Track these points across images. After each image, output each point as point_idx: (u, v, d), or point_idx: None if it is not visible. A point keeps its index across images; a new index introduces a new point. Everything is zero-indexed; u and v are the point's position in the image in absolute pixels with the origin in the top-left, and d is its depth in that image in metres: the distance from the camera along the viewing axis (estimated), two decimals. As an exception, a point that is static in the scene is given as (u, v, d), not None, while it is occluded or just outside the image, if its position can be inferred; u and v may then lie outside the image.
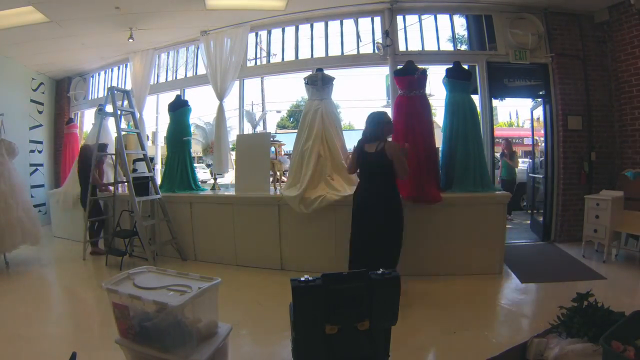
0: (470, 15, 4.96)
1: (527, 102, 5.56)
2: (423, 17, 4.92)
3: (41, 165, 6.98)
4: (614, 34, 4.50)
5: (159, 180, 5.02)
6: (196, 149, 5.94)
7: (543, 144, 5.09)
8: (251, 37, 5.36)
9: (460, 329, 2.49)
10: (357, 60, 5.13)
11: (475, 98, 4.35)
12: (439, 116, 5.70)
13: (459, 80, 3.92)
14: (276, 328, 2.55)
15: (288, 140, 6.44)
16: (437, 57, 4.85)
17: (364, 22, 5.05)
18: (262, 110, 9.32)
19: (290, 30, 5.31)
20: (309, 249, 3.80)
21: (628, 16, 4.30)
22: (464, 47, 5.30)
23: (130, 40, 5.12)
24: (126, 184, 4.27)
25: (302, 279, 1.55)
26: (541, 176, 5.14)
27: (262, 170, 4.21)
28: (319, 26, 5.16)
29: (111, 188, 4.68)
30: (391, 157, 2.87)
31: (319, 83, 4.06)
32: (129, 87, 5.99)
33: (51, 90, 7.20)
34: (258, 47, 5.77)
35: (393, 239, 2.94)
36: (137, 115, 5.62)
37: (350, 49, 5.14)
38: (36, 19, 4.53)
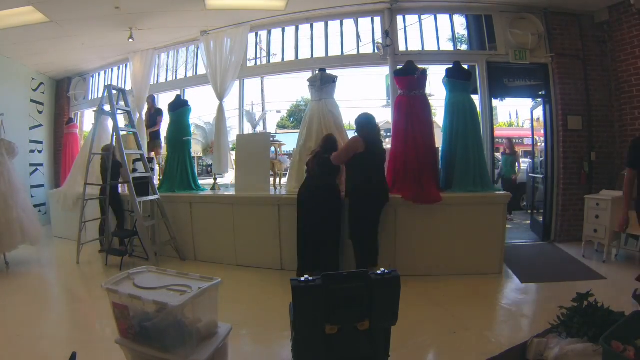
0: (470, 15, 4.96)
1: (527, 102, 5.57)
2: (423, 17, 4.92)
3: (41, 165, 6.99)
4: (614, 34, 4.50)
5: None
6: (196, 149, 5.94)
7: (543, 144, 5.09)
8: (251, 37, 5.36)
9: (460, 329, 2.49)
10: (357, 60, 5.14)
11: (475, 98, 4.35)
12: (439, 116, 5.71)
13: (459, 80, 3.92)
14: (276, 328, 2.55)
15: (288, 140, 6.45)
16: (437, 57, 4.85)
17: (364, 22, 5.07)
18: (262, 110, 9.33)
19: (290, 30, 5.31)
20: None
21: (628, 16, 4.30)
22: (464, 47, 5.31)
23: (130, 40, 5.12)
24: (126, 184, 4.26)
25: (302, 279, 1.55)
26: (541, 176, 5.14)
27: (262, 170, 4.22)
28: (319, 26, 5.16)
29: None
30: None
31: (317, 83, 4.06)
32: (129, 87, 6.00)
33: (51, 90, 7.21)
34: (258, 47, 5.77)
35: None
36: (137, 115, 5.65)
37: (350, 49, 5.15)
38: (36, 19, 4.53)
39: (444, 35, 4.99)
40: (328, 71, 4.18)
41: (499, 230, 3.62)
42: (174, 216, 4.43)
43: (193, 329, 1.66)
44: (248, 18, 4.98)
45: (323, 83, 4.04)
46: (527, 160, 8.35)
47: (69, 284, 3.87)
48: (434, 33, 4.89)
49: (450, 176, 3.82)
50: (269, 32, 5.43)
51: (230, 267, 4.07)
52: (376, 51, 4.84)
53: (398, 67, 4.31)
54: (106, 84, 4.63)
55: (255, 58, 5.72)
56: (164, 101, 5.97)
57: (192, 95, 6.28)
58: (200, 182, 5.02)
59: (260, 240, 3.99)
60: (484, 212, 3.56)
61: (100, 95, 6.73)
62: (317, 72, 4.27)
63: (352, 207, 3.30)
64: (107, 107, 4.36)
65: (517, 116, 17.52)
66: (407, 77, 3.85)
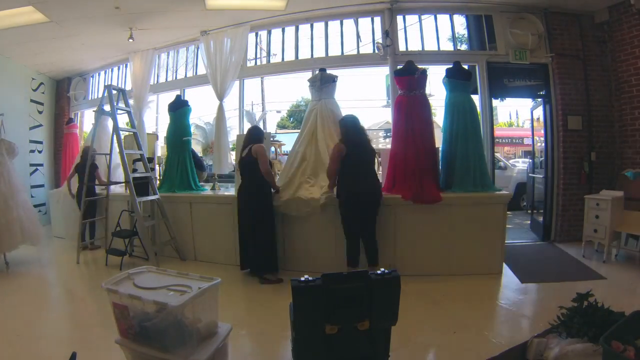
0: (470, 15, 4.96)
1: (527, 102, 5.57)
2: (423, 17, 4.92)
3: (41, 165, 6.98)
4: (614, 34, 4.50)
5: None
6: (196, 149, 5.94)
7: (543, 144, 5.09)
8: (251, 37, 5.36)
9: (460, 329, 2.49)
10: (357, 60, 5.13)
11: (475, 98, 4.35)
12: (439, 116, 5.70)
13: (459, 80, 3.92)
14: (276, 328, 2.55)
15: (288, 140, 6.45)
16: (437, 57, 4.85)
17: (364, 22, 5.07)
18: (262, 110, 9.31)
19: (290, 30, 5.31)
20: (309, 249, 3.79)
21: (628, 16, 4.30)
22: (464, 47, 5.31)
23: (130, 40, 5.12)
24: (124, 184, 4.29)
25: (302, 279, 1.55)
26: (541, 176, 5.14)
27: (262, 170, 4.21)
28: (319, 26, 5.16)
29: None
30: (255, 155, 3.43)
31: (317, 83, 4.06)
32: (129, 87, 6.00)
33: (51, 90, 7.20)
34: (258, 47, 5.77)
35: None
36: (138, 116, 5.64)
37: (350, 49, 5.15)
38: (36, 19, 4.53)
39: (444, 35, 5.00)
40: (328, 71, 4.17)
41: (499, 230, 3.62)
42: (174, 216, 4.43)
43: (193, 329, 1.66)
44: (248, 18, 4.98)
45: (323, 83, 4.04)
46: (527, 160, 8.36)
47: (69, 284, 3.87)
48: (434, 33, 4.90)
49: (450, 176, 3.81)
50: (269, 32, 5.43)
51: (230, 267, 4.07)
52: (376, 51, 4.84)
53: (398, 67, 4.30)
54: (106, 84, 4.64)
55: (255, 58, 5.72)
56: (164, 101, 5.98)
57: (192, 95, 6.28)
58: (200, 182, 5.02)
59: (260, 240, 3.98)
60: (484, 212, 3.56)
61: (100, 95, 6.75)
62: (317, 72, 4.27)
63: (341, 209, 3.35)
64: (107, 107, 4.36)
65: (517, 116, 17.57)
66: (407, 77, 3.84)
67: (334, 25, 5.13)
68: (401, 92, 3.90)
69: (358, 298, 1.56)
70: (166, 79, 6.23)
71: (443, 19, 4.91)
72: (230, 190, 4.72)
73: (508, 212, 3.73)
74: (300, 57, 5.27)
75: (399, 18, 4.86)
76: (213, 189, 4.82)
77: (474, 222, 3.53)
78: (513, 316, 2.78)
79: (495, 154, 6.05)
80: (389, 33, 4.68)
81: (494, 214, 3.56)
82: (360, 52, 5.11)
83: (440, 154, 3.95)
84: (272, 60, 5.60)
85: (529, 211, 6.00)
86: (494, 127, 5.11)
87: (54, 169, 7.24)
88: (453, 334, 2.44)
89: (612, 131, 4.66)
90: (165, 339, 1.59)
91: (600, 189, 4.18)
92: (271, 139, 4.48)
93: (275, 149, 4.70)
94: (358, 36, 5.09)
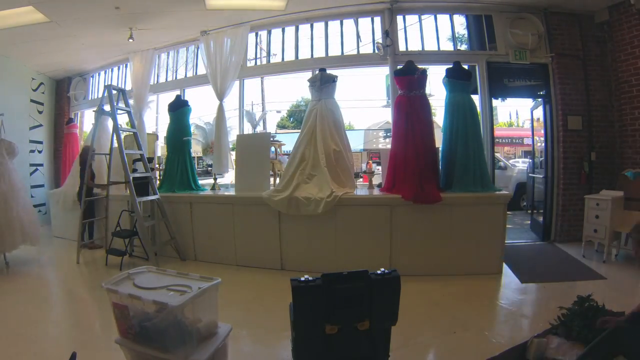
0: (470, 15, 4.96)
1: (527, 102, 5.57)
2: (423, 17, 4.92)
3: (41, 165, 6.98)
4: (614, 34, 4.50)
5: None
6: (196, 149, 5.93)
7: (543, 144, 5.09)
8: (251, 37, 5.36)
9: (460, 329, 2.49)
10: (357, 60, 5.14)
11: (475, 98, 4.35)
12: (439, 116, 5.70)
13: (459, 80, 3.92)
14: (276, 328, 2.55)
15: (288, 140, 6.45)
16: (437, 57, 4.86)
17: (364, 22, 5.07)
18: (262, 110, 9.32)
19: (290, 30, 5.31)
20: (309, 249, 3.79)
21: (628, 16, 4.30)
22: (464, 47, 5.31)
23: (130, 40, 5.12)
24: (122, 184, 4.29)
25: (302, 279, 1.55)
26: (541, 176, 5.14)
27: (262, 170, 4.22)
28: (319, 26, 5.16)
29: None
30: None
31: (317, 83, 4.06)
32: (129, 87, 6.00)
33: (51, 90, 7.20)
34: (258, 47, 5.77)
35: None
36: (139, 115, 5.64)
37: (350, 49, 5.15)
38: (36, 19, 4.53)
39: (444, 35, 5.01)
40: (328, 71, 4.18)
41: (499, 230, 3.62)
42: (174, 216, 4.43)
43: (193, 329, 1.66)
44: (248, 18, 4.98)
45: (323, 83, 4.04)
46: (527, 160, 8.36)
47: (69, 284, 3.87)
48: (434, 33, 4.90)
49: (450, 176, 3.81)
50: (269, 32, 5.43)
51: (230, 267, 4.07)
52: (376, 51, 4.84)
53: (398, 67, 4.31)
54: (106, 84, 4.64)
55: (255, 58, 5.72)
56: (164, 101, 5.98)
57: (192, 95, 6.27)
58: (200, 182, 5.02)
59: (260, 240, 3.99)
60: (484, 212, 3.56)
61: (100, 95, 6.76)
62: (317, 72, 4.27)
63: None
64: (107, 107, 4.36)
65: (517, 116, 17.57)
66: (407, 77, 3.85)
67: (334, 25, 5.13)
68: (401, 92, 3.90)
69: (358, 298, 1.56)
70: (166, 79, 6.23)
71: (443, 19, 4.91)
72: (230, 190, 4.73)
73: (508, 212, 3.73)
74: (300, 57, 5.27)
75: (399, 18, 4.86)
76: (213, 189, 4.82)
77: (474, 222, 3.53)
78: (513, 316, 2.78)
79: (495, 154, 6.05)
80: (389, 33, 4.68)
81: (494, 214, 3.56)
82: (360, 52, 5.11)
83: (440, 154, 3.95)
84: (272, 60, 5.60)
85: (529, 211, 6.00)
86: (494, 127, 5.11)
87: (54, 169, 7.24)
88: (453, 334, 2.44)
89: (612, 131, 4.66)
90: (165, 339, 1.59)
91: (600, 189, 4.18)
92: (271, 139, 4.48)
93: (275, 149, 4.69)
94: (358, 36, 5.09)
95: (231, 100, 5.40)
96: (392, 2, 4.65)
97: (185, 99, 5.36)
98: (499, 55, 4.74)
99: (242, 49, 5.12)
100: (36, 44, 5.39)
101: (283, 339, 2.30)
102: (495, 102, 5.18)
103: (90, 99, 7.06)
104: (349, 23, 5.07)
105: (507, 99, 5.31)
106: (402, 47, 4.86)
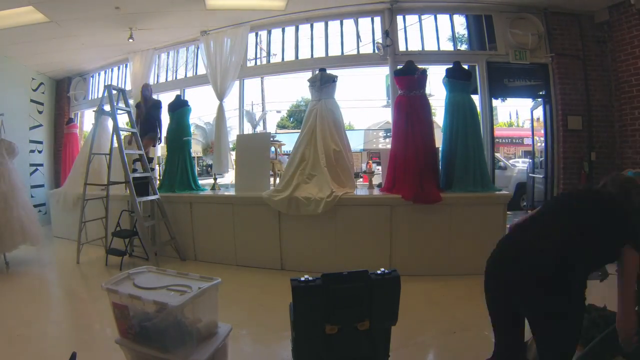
0: (470, 15, 4.96)
1: (527, 102, 5.57)
2: (423, 17, 4.92)
3: (41, 165, 6.98)
4: (614, 34, 4.50)
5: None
6: (196, 149, 5.94)
7: (543, 144, 5.09)
8: (251, 37, 5.36)
9: (460, 329, 2.49)
10: (357, 60, 5.14)
11: (475, 98, 4.35)
12: (439, 116, 5.70)
13: (458, 80, 3.92)
14: (276, 328, 2.55)
15: (288, 140, 6.45)
16: (437, 57, 4.86)
17: (364, 22, 5.07)
18: (262, 110, 9.33)
19: (290, 30, 5.31)
20: (309, 249, 3.79)
21: (628, 16, 4.30)
22: (464, 47, 5.31)
23: (130, 40, 5.12)
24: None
25: (302, 279, 1.55)
26: (541, 176, 5.14)
27: (262, 170, 4.22)
28: (319, 26, 5.16)
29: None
30: None
31: (317, 83, 4.06)
32: (129, 87, 6.00)
33: (51, 90, 7.20)
34: (258, 47, 5.78)
35: None
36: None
37: (350, 49, 5.15)
38: (36, 19, 4.53)
39: (444, 35, 5.01)
40: (328, 71, 4.18)
41: (499, 230, 3.60)
42: (174, 216, 4.43)
43: (193, 329, 1.66)
44: (248, 18, 4.98)
45: (323, 83, 4.04)
46: (527, 160, 8.35)
47: (69, 284, 3.87)
48: (434, 33, 4.90)
49: (450, 176, 3.81)
50: (269, 32, 5.43)
51: (230, 267, 4.07)
52: (376, 51, 4.84)
53: (398, 67, 4.31)
54: (106, 84, 4.64)
55: (255, 58, 5.72)
56: (164, 101, 5.96)
57: (192, 95, 6.29)
58: (200, 182, 5.02)
59: (260, 240, 3.99)
60: (484, 212, 3.56)
61: (100, 95, 6.75)
62: (317, 72, 4.27)
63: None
64: (107, 107, 4.36)
65: (517, 116, 17.57)
66: (407, 77, 3.85)
67: (333, 25, 5.13)
68: (401, 92, 3.90)
69: (358, 298, 1.55)
70: (166, 79, 6.23)
71: (443, 19, 4.91)
72: (230, 190, 4.73)
73: (508, 212, 3.72)
74: (300, 57, 5.27)
75: (399, 18, 4.86)
76: (213, 189, 4.82)
77: (474, 222, 3.53)
78: (513, 316, 2.78)
79: (495, 154, 6.05)
80: (389, 33, 4.68)
81: (494, 214, 3.56)
82: (360, 52, 5.11)
83: (440, 154, 3.95)
84: (272, 60, 5.61)
85: (529, 211, 5.99)
86: (494, 127, 5.11)
87: (54, 169, 7.24)
88: (453, 334, 2.44)
89: (612, 131, 4.66)
90: (165, 339, 1.59)
91: (600, 189, 4.17)
92: (271, 139, 4.48)
93: (275, 149, 4.70)
94: (358, 36, 5.09)
95: (231, 100, 5.42)
96: (392, 2, 4.65)
97: (185, 99, 5.36)
98: (499, 55, 4.74)
99: (242, 49, 5.13)
100: (36, 44, 5.39)
101: (283, 339, 2.31)
102: (495, 102, 5.19)
103: (90, 99, 7.06)
104: (349, 23, 5.07)
105: (507, 99, 5.31)
106: (402, 47, 4.86)
